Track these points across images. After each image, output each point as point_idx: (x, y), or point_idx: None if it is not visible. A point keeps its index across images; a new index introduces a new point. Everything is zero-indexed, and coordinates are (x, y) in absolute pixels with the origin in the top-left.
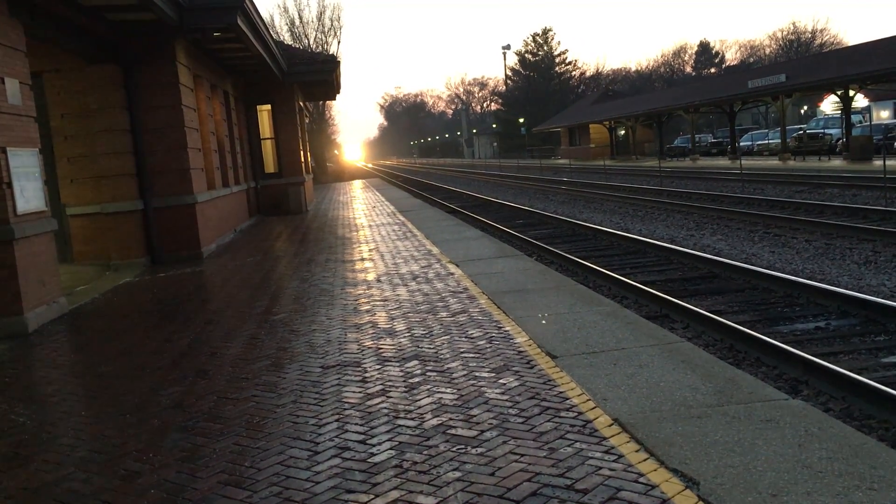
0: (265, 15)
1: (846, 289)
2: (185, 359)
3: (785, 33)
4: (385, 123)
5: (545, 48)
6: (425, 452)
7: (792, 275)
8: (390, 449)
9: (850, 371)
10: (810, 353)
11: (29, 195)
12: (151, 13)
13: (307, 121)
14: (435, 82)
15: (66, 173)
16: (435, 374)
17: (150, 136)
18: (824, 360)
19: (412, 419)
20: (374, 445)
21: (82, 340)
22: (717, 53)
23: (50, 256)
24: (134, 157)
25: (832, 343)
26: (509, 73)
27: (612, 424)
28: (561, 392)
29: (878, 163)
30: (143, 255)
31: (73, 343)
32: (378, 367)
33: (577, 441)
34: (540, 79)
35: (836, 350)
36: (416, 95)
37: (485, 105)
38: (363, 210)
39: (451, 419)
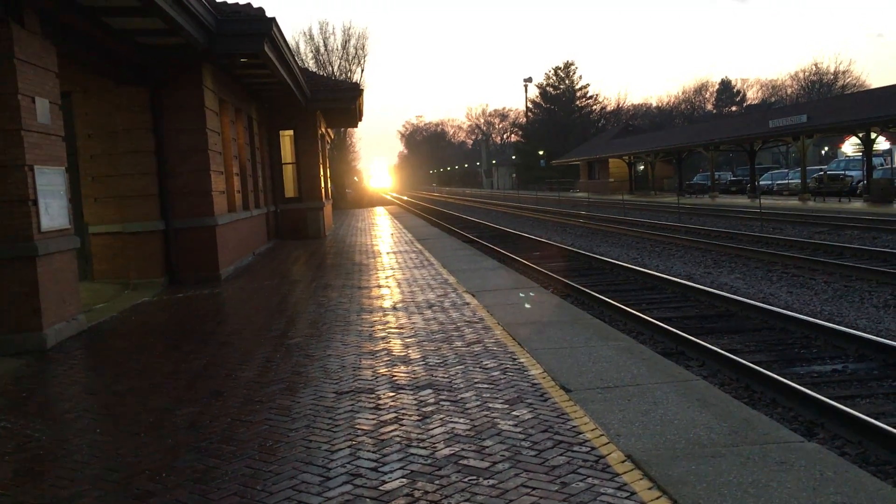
0: (291, 42)
1: (864, 332)
2: (200, 380)
3: (807, 74)
4: (405, 151)
5: (567, 82)
6: (437, 482)
7: (810, 316)
8: (402, 477)
9: (867, 415)
10: (827, 395)
11: (53, 213)
12: (181, 38)
13: (328, 147)
14: (456, 112)
15: (89, 192)
16: (448, 403)
17: (173, 158)
18: (841, 404)
19: (424, 448)
20: (385, 473)
21: (99, 358)
22: (738, 92)
23: (71, 274)
24: (157, 178)
25: (849, 386)
26: (530, 105)
27: (625, 461)
28: (574, 426)
29: None
30: (161, 275)
31: (91, 360)
32: (392, 394)
33: (589, 476)
34: (560, 112)
35: (853, 393)
36: (437, 125)
37: (505, 136)
38: (381, 237)
39: (463, 449)
